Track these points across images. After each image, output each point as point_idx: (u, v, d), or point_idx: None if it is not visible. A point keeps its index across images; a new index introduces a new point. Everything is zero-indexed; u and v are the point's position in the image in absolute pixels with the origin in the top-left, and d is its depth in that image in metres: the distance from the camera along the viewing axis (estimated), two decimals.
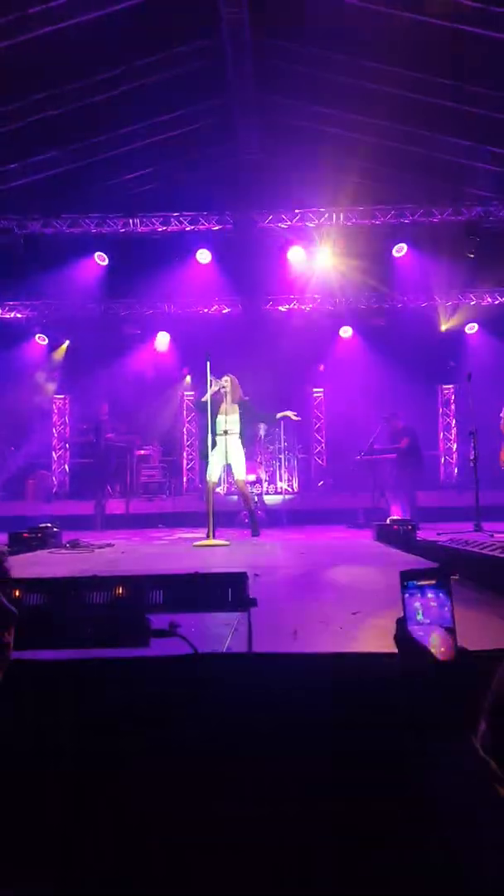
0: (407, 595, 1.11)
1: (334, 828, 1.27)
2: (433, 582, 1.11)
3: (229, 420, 7.87)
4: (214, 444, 7.75)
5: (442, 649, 1.07)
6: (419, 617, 1.09)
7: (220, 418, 7.83)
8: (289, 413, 8.58)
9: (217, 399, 7.84)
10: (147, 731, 1.50)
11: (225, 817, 1.37)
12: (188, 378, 14.96)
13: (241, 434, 7.95)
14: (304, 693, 1.49)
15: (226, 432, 7.82)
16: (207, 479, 7.94)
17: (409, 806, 1.16)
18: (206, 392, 7.57)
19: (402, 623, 1.10)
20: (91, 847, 1.33)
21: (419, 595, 1.10)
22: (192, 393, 14.95)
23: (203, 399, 7.62)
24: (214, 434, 7.70)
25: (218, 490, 11.60)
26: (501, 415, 7.88)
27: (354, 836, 1.26)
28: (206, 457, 7.90)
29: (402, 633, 1.10)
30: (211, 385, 7.61)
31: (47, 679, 1.61)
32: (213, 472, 8.00)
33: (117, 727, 1.52)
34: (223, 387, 7.86)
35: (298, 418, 8.84)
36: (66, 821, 1.36)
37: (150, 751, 1.47)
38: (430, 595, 1.10)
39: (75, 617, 1.84)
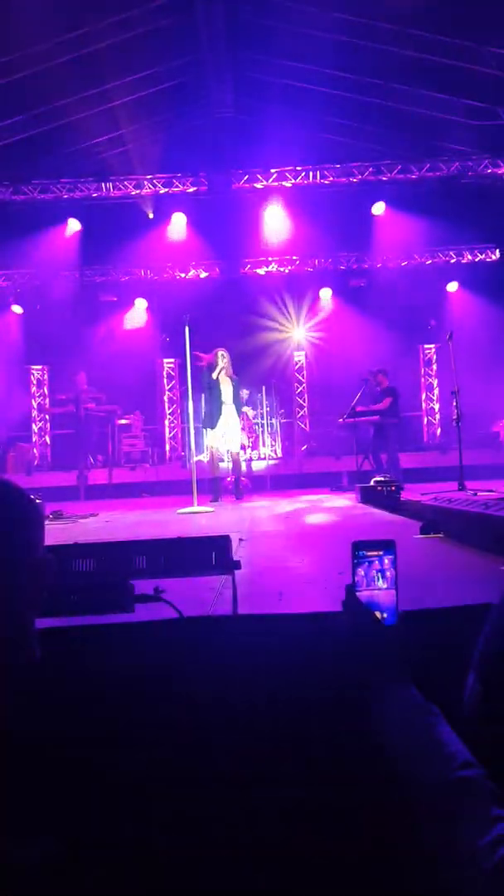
0: (356, 563, 1.19)
1: (312, 775, 1.32)
2: (380, 552, 1.20)
3: (226, 391, 8.29)
4: (211, 415, 8.11)
5: (384, 614, 1.18)
6: (366, 583, 1.19)
7: (222, 388, 8.25)
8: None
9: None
10: (133, 697, 1.49)
11: (214, 778, 1.37)
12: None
13: (236, 406, 8.42)
14: (289, 653, 1.48)
15: (223, 402, 8.26)
16: (209, 445, 8.48)
17: (365, 749, 1.25)
18: (215, 370, 8.15)
19: (350, 589, 1.19)
20: (81, 819, 1.33)
21: (367, 564, 1.20)
22: (171, 360, 14.77)
23: (213, 376, 8.14)
24: (211, 406, 8.11)
25: (201, 457, 11.58)
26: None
27: (329, 784, 1.33)
28: (206, 424, 8.28)
29: (350, 598, 1.18)
30: (192, 355, 7.88)
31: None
32: (215, 441, 8.40)
33: (104, 695, 1.50)
34: (223, 359, 8.26)
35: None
36: (57, 792, 1.35)
37: (137, 715, 1.45)
38: (377, 564, 1.20)
39: (58, 585, 1.81)
